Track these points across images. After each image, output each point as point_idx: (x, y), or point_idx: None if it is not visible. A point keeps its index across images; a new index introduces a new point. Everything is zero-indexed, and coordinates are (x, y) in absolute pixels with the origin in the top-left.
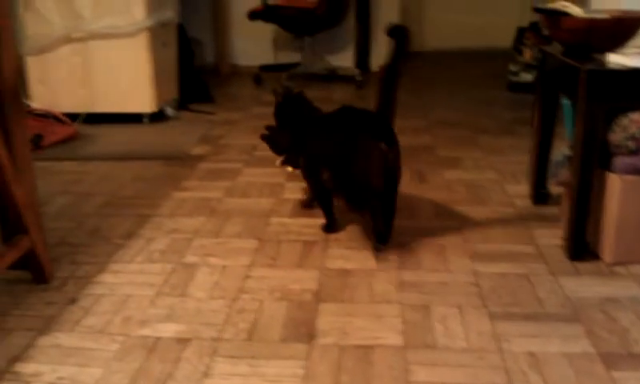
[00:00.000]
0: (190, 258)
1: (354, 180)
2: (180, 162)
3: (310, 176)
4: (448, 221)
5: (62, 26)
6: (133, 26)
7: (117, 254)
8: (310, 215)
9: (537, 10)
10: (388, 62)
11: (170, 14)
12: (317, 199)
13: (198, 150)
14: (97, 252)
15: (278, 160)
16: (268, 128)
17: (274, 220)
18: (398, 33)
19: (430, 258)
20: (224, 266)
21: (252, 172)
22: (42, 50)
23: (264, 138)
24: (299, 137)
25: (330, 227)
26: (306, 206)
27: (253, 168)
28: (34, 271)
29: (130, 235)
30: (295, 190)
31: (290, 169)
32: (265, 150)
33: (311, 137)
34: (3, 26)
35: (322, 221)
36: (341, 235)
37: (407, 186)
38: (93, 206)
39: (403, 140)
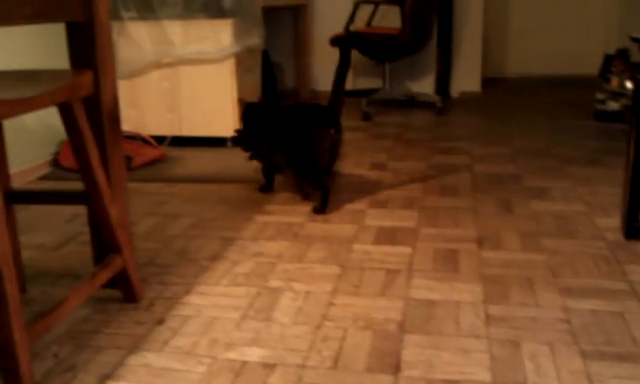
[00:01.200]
0: (274, 283)
1: (307, 157)
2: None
3: (265, 158)
4: (535, 253)
5: (152, 51)
6: (220, 52)
7: (203, 276)
8: (393, 243)
9: (633, 40)
10: (337, 66)
11: (256, 40)
12: (265, 172)
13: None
14: (184, 273)
15: (247, 155)
16: (237, 131)
17: (357, 247)
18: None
19: (518, 292)
20: (307, 292)
21: (333, 197)
22: (133, 75)
23: (234, 139)
24: (262, 130)
25: (266, 189)
26: (262, 190)
27: (334, 193)
28: (125, 290)
29: (215, 257)
30: (377, 216)
31: (256, 162)
32: (346, 176)
33: (273, 126)
34: (105, 52)
35: (403, 249)
36: (425, 265)
37: (492, 216)
38: (179, 227)
39: (487, 168)
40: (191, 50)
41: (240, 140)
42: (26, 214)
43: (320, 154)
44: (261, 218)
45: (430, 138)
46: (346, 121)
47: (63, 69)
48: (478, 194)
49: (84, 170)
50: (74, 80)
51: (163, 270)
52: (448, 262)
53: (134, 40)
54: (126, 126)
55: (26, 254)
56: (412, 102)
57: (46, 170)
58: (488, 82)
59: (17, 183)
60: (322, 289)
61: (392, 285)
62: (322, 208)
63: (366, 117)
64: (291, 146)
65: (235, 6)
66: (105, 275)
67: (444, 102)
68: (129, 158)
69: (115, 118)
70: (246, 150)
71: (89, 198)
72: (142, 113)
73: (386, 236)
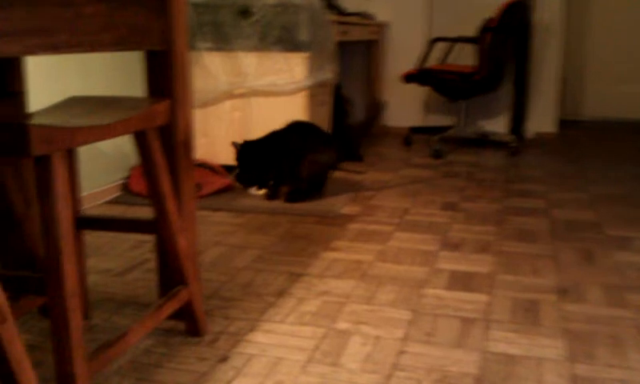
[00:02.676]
0: (342, 324)
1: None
2: (330, 220)
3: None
4: (622, 309)
5: (226, 82)
6: (293, 85)
7: (268, 312)
8: (468, 289)
9: None
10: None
11: (328, 74)
12: (273, 186)
13: (347, 210)
14: (249, 308)
15: (253, 189)
16: (236, 175)
17: (429, 291)
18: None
19: (605, 351)
20: (377, 337)
21: (404, 237)
22: (207, 104)
23: (237, 178)
24: (264, 159)
25: (272, 197)
26: (269, 197)
27: (404, 232)
28: (189, 323)
29: (281, 293)
30: (450, 259)
31: (262, 192)
32: (416, 215)
33: (278, 152)
34: (182, 82)
35: (479, 297)
36: (503, 315)
37: (573, 265)
38: (245, 260)
39: (565, 214)
40: (264, 82)
41: (241, 179)
42: (93, 237)
43: (320, 164)
44: (329, 255)
45: (504, 179)
46: (417, 158)
47: (141, 97)
48: (557, 242)
49: (155, 198)
50: (151, 109)
51: (228, 304)
52: (528, 314)
53: (209, 70)
54: (197, 154)
55: (91, 279)
56: (484, 141)
57: (116, 194)
58: (564, 123)
59: (87, 205)
60: (393, 335)
61: (468, 335)
62: (293, 197)
63: (437, 154)
64: (297, 158)
65: (310, 41)
66: (170, 308)
67: (518, 142)
68: (198, 186)
69: (189, 147)
70: (246, 186)
71: (158, 226)
72: (213, 142)
73: (460, 281)
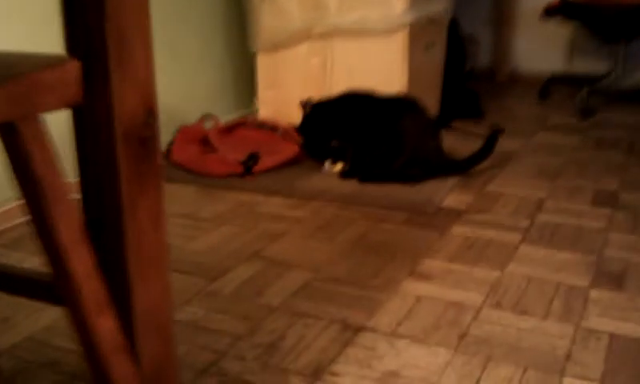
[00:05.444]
0: None
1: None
2: (425, 219)
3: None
4: None
5: (301, 18)
6: (389, 22)
7: None
8: None
9: None
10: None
11: (439, 6)
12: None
13: (453, 201)
14: None
15: (327, 163)
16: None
17: (572, 382)
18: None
19: None
20: None
21: (534, 255)
22: (276, 47)
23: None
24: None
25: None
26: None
27: (536, 247)
28: None
29: (319, 370)
30: (610, 309)
31: (339, 166)
32: (555, 213)
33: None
34: (126, 24)
35: None
36: None
37: None
38: (285, 291)
39: None
40: (351, 18)
41: (309, 150)
42: None
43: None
44: (412, 287)
45: None
46: (557, 117)
47: (39, 55)
48: None
49: (48, 251)
50: (26, 79)
51: None
52: None
53: (280, 4)
54: (265, 111)
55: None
56: None
57: None
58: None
59: None
60: None
61: None
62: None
63: (586, 112)
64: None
65: None
66: None
67: None
68: (255, 158)
69: (144, 146)
70: (317, 159)
71: (61, 297)
72: (283, 96)
73: (630, 359)
